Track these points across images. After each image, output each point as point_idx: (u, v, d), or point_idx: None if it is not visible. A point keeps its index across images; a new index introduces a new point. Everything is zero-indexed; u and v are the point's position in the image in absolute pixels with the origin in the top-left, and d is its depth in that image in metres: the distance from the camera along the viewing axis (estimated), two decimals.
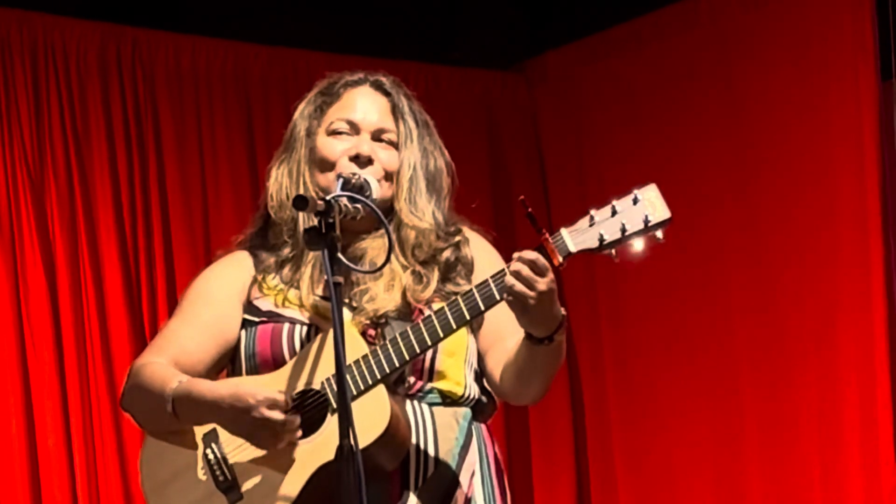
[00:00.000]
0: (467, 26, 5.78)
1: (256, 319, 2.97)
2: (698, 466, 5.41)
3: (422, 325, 2.78)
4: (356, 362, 2.78)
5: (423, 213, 2.98)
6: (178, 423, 2.88)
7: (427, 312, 2.85)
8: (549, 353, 2.79)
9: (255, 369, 2.94)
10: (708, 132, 5.38)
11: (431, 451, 2.87)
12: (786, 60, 5.14)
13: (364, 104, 3.02)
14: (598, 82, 5.71)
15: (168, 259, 5.10)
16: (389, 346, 2.79)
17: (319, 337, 2.86)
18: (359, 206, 2.82)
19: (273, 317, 2.95)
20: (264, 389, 2.76)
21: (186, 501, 2.91)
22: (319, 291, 2.92)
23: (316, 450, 2.79)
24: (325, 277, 2.66)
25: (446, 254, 2.97)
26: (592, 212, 2.67)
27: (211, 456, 2.87)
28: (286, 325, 2.92)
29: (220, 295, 3.01)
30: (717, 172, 5.34)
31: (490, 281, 2.73)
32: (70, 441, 4.82)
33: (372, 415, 2.74)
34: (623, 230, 2.64)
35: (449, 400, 2.92)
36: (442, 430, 2.89)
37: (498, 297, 2.72)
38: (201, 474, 2.88)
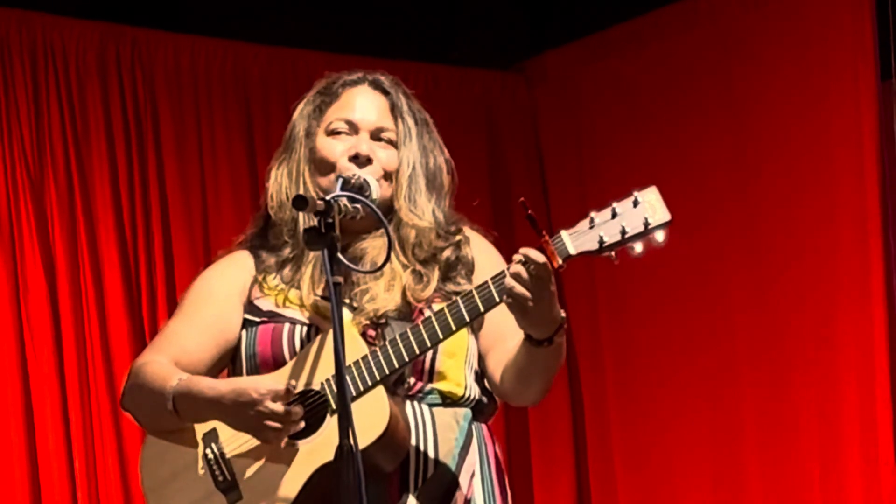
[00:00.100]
0: (467, 26, 5.78)
1: (257, 319, 2.97)
2: (698, 466, 5.41)
3: (421, 326, 2.78)
4: (356, 363, 2.78)
5: (422, 211, 2.98)
6: (178, 420, 2.88)
7: (427, 312, 2.85)
8: (549, 355, 2.79)
9: (255, 369, 2.94)
10: (708, 132, 5.38)
11: (431, 452, 2.87)
12: (785, 60, 5.14)
13: (363, 103, 3.02)
14: (598, 82, 5.71)
15: (168, 259, 5.10)
16: (389, 347, 2.79)
17: (319, 337, 2.86)
18: (358, 206, 2.82)
19: (273, 317, 2.95)
20: (266, 382, 2.76)
21: (186, 501, 2.91)
22: (320, 291, 2.92)
23: (315, 450, 2.79)
24: (326, 277, 2.65)
25: (447, 253, 2.97)
26: (592, 214, 2.67)
27: (210, 455, 2.88)
28: (286, 326, 2.93)
29: (220, 294, 3.01)
30: (717, 172, 5.34)
31: (490, 282, 2.73)
32: (70, 442, 4.81)
33: (371, 416, 2.74)
34: (623, 232, 2.64)
35: (449, 401, 2.92)
36: (442, 431, 2.89)
37: (497, 299, 2.72)
38: (201, 474, 2.88)
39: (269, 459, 2.84)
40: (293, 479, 2.80)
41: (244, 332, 2.98)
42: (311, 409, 2.82)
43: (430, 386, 2.90)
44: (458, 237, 3.01)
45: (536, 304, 2.68)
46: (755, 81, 5.22)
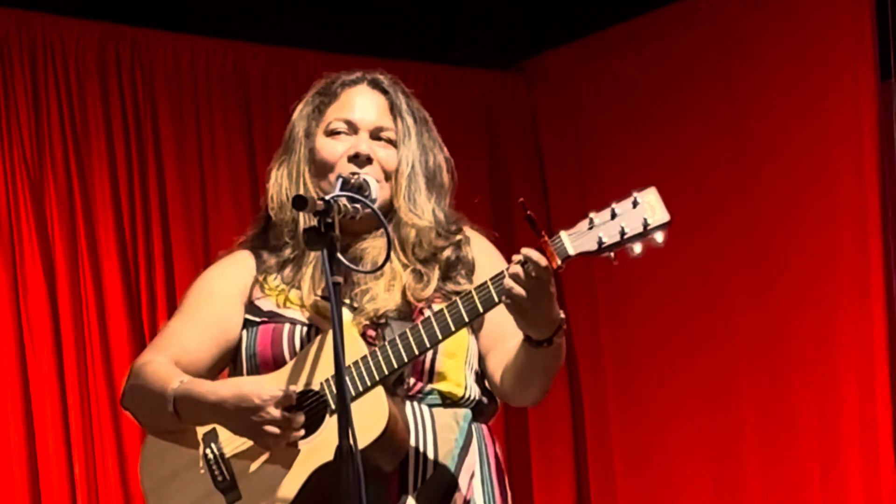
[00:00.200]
0: (467, 26, 5.78)
1: (257, 319, 2.97)
2: (698, 467, 5.41)
3: (421, 327, 2.78)
4: (355, 363, 2.78)
5: (422, 211, 2.98)
6: (179, 423, 2.88)
7: (427, 312, 2.85)
8: (549, 356, 2.78)
9: (255, 369, 2.94)
10: (708, 132, 5.38)
11: (430, 453, 2.87)
12: (785, 60, 5.14)
13: (362, 103, 3.02)
14: (598, 82, 5.71)
15: (167, 260, 5.10)
16: (388, 347, 2.79)
17: (319, 337, 2.86)
18: (358, 205, 2.82)
19: (274, 317, 2.95)
20: (268, 388, 2.76)
21: (186, 501, 2.91)
22: (320, 292, 2.92)
23: (314, 450, 2.79)
24: (325, 278, 2.65)
25: (447, 252, 2.97)
26: (591, 214, 2.66)
27: (210, 455, 2.88)
28: (287, 326, 2.93)
29: (221, 294, 3.02)
30: (717, 172, 5.34)
31: (489, 283, 2.73)
32: (69, 444, 4.81)
33: (370, 416, 2.74)
34: (622, 233, 2.63)
35: (449, 401, 2.92)
36: (441, 432, 2.89)
37: (497, 300, 2.72)
38: (201, 474, 2.88)
39: (268, 460, 2.84)
40: (292, 480, 2.80)
41: (245, 332, 2.98)
42: (310, 409, 2.82)
43: (429, 386, 2.90)
44: (458, 237, 3.01)
45: (535, 304, 2.68)
46: (755, 81, 5.22)
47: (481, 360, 2.98)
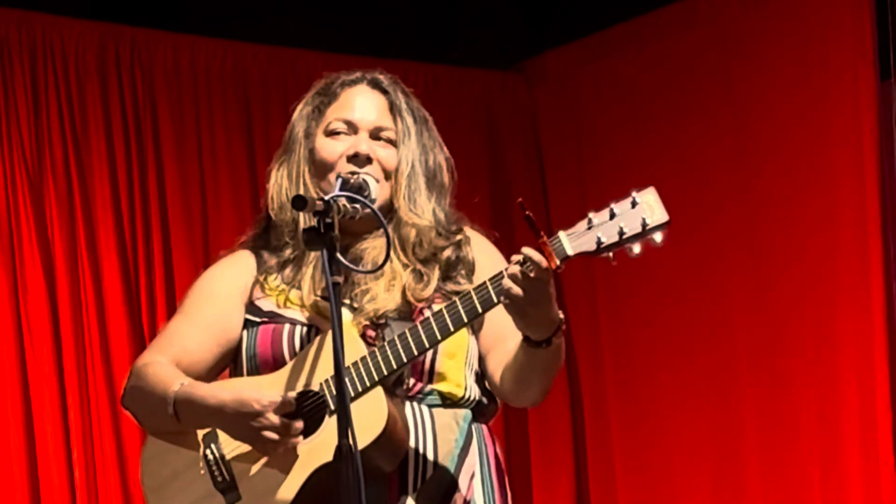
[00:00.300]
0: (467, 26, 5.78)
1: (258, 320, 2.97)
2: (698, 467, 5.41)
3: (420, 327, 2.78)
4: (355, 364, 2.78)
5: (422, 210, 2.98)
6: (179, 425, 2.88)
7: (427, 313, 2.85)
8: (548, 356, 2.78)
9: (255, 369, 2.94)
10: (707, 132, 5.38)
11: (430, 454, 2.87)
12: (785, 60, 5.14)
13: (361, 103, 3.02)
14: (598, 82, 5.71)
15: (167, 260, 5.10)
16: (388, 348, 2.79)
17: (319, 338, 2.86)
18: (358, 205, 2.82)
19: (274, 317, 2.95)
20: (268, 394, 2.76)
21: (186, 501, 2.91)
22: (320, 292, 2.92)
23: (314, 451, 2.79)
24: (325, 277, 2.65)
25: (447, 252, 2.97)
26: (591, 215, 2.66)
27: (210, 456, 2.88)
28: (287, 326, 2.93)
29: (222, 294, 3.02)
30: (717, 172, 5.34)
31: (488, 283, 2.73)
32: (69, 445, 4.81)
33: (369, 417, 2.74)
34: (621, 233, 2.63)
35: (449, 401, 2.92)
36: (441, 432, 2.89)
37: (495, 300, 2.72)
38: (201, 474, 2.89)
39: (268, 460, 2.84)
40: (292, 480, 2.80)
41: (245, 332, 2.98)
42: (309, 409, 2.82)
43: (429, 387, 2.90)
44: (458, 237, 3.01)
45: (534, 305, 2.68)
46: (755, 82, 5.22)
47: (481, 360, 2.98)
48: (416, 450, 2.86)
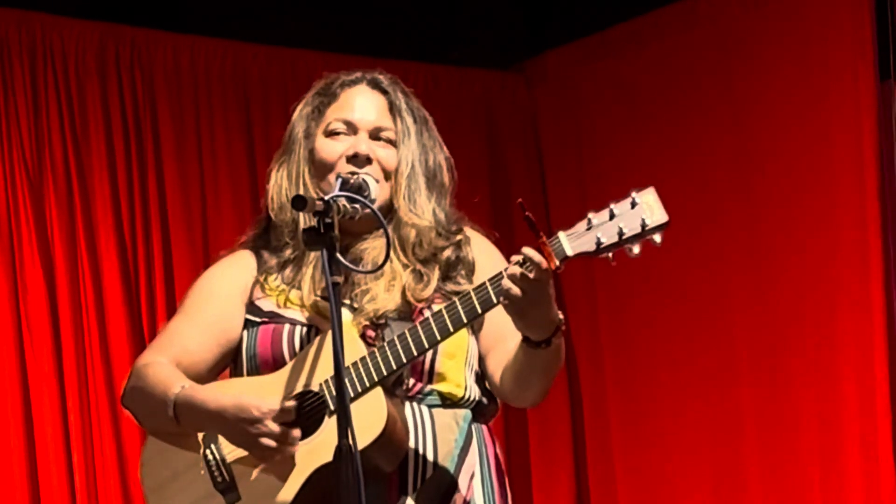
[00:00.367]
0: (467, 26, 5.78)
1: (258, 320, 2.97)
2: (697, 468, 5.40)
3: (419, 327, 2.78)
4: (354, 364, 2.79)
5: (422, 210, 2.98)
6: (178, 427, 2.88)
7: (427, 313, 2.85)
8: (548, 357, 2.78)
9: (255, 369, 2.95)
10: (707, 132, 5.38)
11: (430, 454, 2.87)
12: (785, 60, 5.14)
13: (361, 103, 3.02)
14: (598, 82, 5.71)
15: (167, 260, 5.10)
16: (387, 348, 2.79)
17: (319, 338, 2.86)
18: (357, 206, 2.82)
19: (274, 317, 2.95)
20: (269, 401, 2.77)
21: (186, 501, 2.92)
22: (320, 292, 2.92)
23: (314, 451, 2.79)
24: (325, 277, 2.65)
25: (447, 253, 2.97)
26: (590, 215, 2.67)
27: (210, 456, 2.88)
28: (287, 326, 2.93)
29: (222, 294, 3.02)
30: (717, 172, 5.34)
31: (487, 284, 2.73)
32: (69, 445, 4.80)
33: (368, 417, 2.74)
34: (620, 234, 2.64)
35: (449, 402, 2.92)
36: (441, 432, 2.89)
37: (495, 300, 2.72)
38: (201, 474, 2.89)
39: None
40: (292, 480, 2.80)
41: (245, 332, 2.99)
42: (309, 410, 2.82)
43: (429, 387, 2.91)
44: (458, 237, 3.00)
45: (534, 305, 2.68)
46: (755, 82, 5.22)
47: (481, 360, 2.98)
48: (416, 450, 2.86)
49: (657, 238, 2.64)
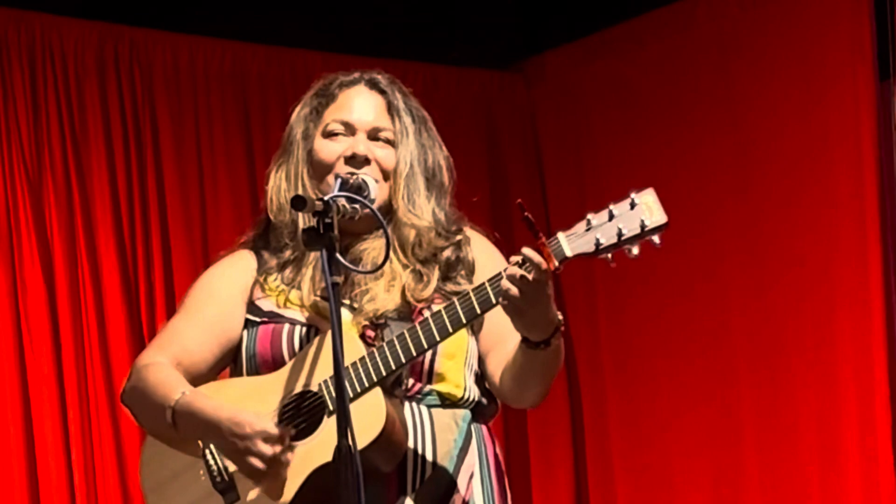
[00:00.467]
0: (466, 26, 5.77)
1: (258, 320, 2.97)
2: (697, 468, 5.40)
3: (419, 328, 2.78)
4: (353, 364, 2.79)
5: (421, 210, 2.98)
6: (176, 433, 2.88)
7: (427, 313, 2.85)
8: (547, 357, 2.78)
9: (255, 369, 2.95)
10: (706, 132, 5.38)
11: (429, 454, 2.87)
12: (784, 61, 5.14)
13: (359, 104, 3.01)
14: (597, 82, 5.71)
15: (166, 260, 5.09)
16: (386, 348, 2.79)
17: (318, 338, 2.86)
18: (357, 206, 2.82)
19: (274, 317, 2.96)
20: (263, 420, 2.77)
21: (185, 501, 2.92)
22: (320, 292, 2.93)
23: (313, 451, 2.79)
24: (324, 278, 2.65)
25: (447, 253, 2.97)
26: (589, 216, 2.67)
27: (209, 457, 2.88)
28: (286, 326, 2.93)
29: (222, 294, 3.02)
30: (716, 172, 5.34)
31: (487, 284, 2.73)
32: (69, 446, 4.80)
33: (367, 417, 2.74)
34: (620, 235, 2.64)
35: (448, 402, 2.92)
36: (440, 432, 2.89)
37: (494, 301, 2.72)
38: (200, 475, 2.89)
39: None
40: (291, 480, 2.80)
41: (245, 331, 2.99)
42: (308, 410, 2.82)
43: (428, 387, 2.90)
44: (458, 237, 3.00)
45: (533, 306, 2.68)
46: (754, 82, 5.22)
47: (481, 361, 2.98)
48: (415, 450, 2.86)
49: (656, 239, 2.65)
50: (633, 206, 2.64)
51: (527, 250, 2.67)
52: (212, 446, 2.88)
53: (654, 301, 5.51)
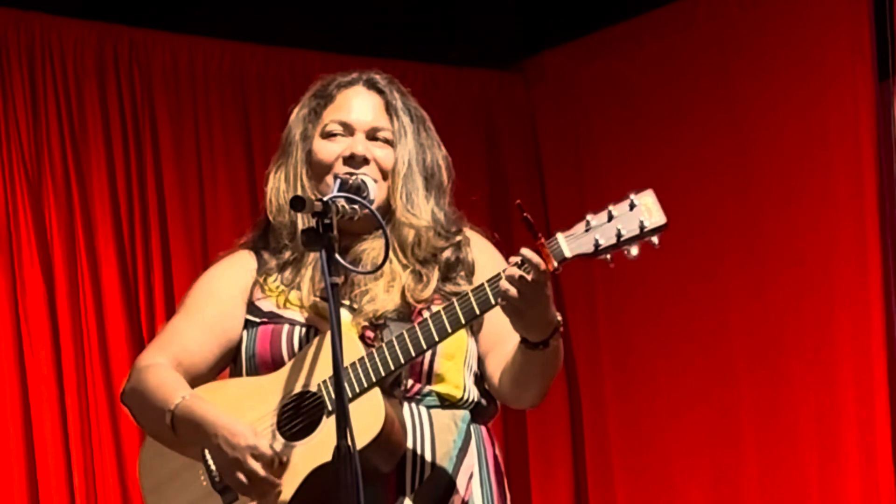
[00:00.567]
0: (465, 26, 5.77)
1: (257, 320, 2.97)
2: (696, 469, 5.40)
3: (418, 328, 2.78)
4: (352, 365, 2.79)
5: (420, 210, 2.98)
6: (174, 436, 2.88)
7: (426, 314, 2.85)
8: (546, 358, 2.79)
9: (254, 370, 2.95)
10: (705, 132, 5.38)
11: (428, 454, 2.87)
12: (784, 60, 5.14)
13: (358, 104, 3.02)
14: (596, 82, 5.71)
15: (166, 260, 5.09)
16: (385, 349, 2.79)
17: (318, 339, 2.86)
18: (356, 206, 2.82)
19: (273, 318, 2.96)
20: (258, 437, 2.77)
21: (184, 501, 2.92)
22: (320, 293, 2.93)
23: (312, 451, 2.79)
24: (324, 278, 2.66)
25: (447, 253, 2.97)
26: (589, 216, 2.67)
27: (208, 457, 2.87)
28: (286, 327, 2.93)
29: (222, 294, 3.02)
30: (715, 172, 5.34)
31: (486, 285, 2.74)
32: (68, 447, 4.79)
33: (366, 418, 2.74)
34: (619, 235, 2.64)
35: (447, 403, 2.92)
36: (439, 433, 2.89)
37: (493, 302, 2.72)
38: (199, 475, 2.89)
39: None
40: (289, 481, 2.80)
41: (245, 332, 2.99)
42: (307, 410, 2.82)
43: (428, 388, 2.90)
44: (458, 237, 3.00)
45: (531, 306, 2.68)
46: (753, 82, 5.22)
47: (480, 361, 2.98)
48: (414, 451, 2.86)
49: (655, 240, 2.65)
50: (632, 206, 2.64)
51: (525, 251, 2.67)
52: None
53: (654, 301, 5.51)
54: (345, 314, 2.85)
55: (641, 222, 2.63)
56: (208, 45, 5.25)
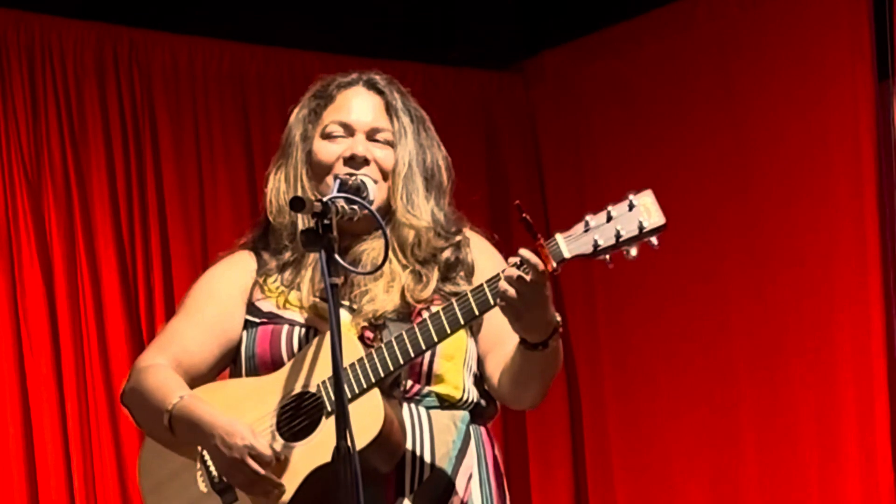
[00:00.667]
0: (464, 26, 5.77)
1: (257, 320, 2.97)
2: (696, 469, 5.40)
3: (417, 328, 2.78)
4: (352, 365, 2.79)
5: (420, 211, 2.98)
6: (172, 437, 2.88)
7: (426, 314, 2.85)
8: (545, 359, 2.79)
9: (254, 370, 2.95)
10: (705, 132, 5.38)
11: (427, 455, 2.87)
12: (784, 61, 5.14)
13: (357, 104, 3.02)
14: (596, 82, 5.71)
15: (165, 260, 5.09)
16: (385, 349, 2.79)
17: (317, 339, 2.86)
18: (356, 207, 2.82)
19: (273, 318, 2.96)
20: (255, 437, 2.77)
21: (183, 502, 2.92)
22: (319, 293, 2.93)
23: (311, 452, 2.79)
24: (323, 278, 2.66)
25: (446, 253, 2.98)
26: (588, 217, 2.67)
27: (207, 458, 2.87)
28: (285, 327, 2.93)
29: (222, 294, 3.02)
30: (715, 172, 5.34)
31: (485, 285, 2.74)
32: (68, 448, 4.79)
33: (366, 418, 2.74)
34: (618, 236, 2.64)
35: (447, 403, 2.92)
36: (439, 434, 2.89)
37: (492, 302, 2.72)
38: (198, 475, 2.89)
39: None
40: (289, 481, 2.80)
41: (245, 332, 2.99)
42: (307, 411, 2.82)
43: (427, 388, 2.90)
44: (458, 238, 3.01)
45: (530, 307, 2.68)
46: (753, 82, 5.22)
47: (480, 362, 2.98)
48: (413, 451, 2.86)
49: (654, 240, 2.65)
50: (631, 207, 2.64)
51: (524, 251, 2.67)
52: None
53: (654, 301, 5.51)
54: (344, 315, 2.85)
55: (640, 223, 2.63)
56: (208, 46, 5.25)
